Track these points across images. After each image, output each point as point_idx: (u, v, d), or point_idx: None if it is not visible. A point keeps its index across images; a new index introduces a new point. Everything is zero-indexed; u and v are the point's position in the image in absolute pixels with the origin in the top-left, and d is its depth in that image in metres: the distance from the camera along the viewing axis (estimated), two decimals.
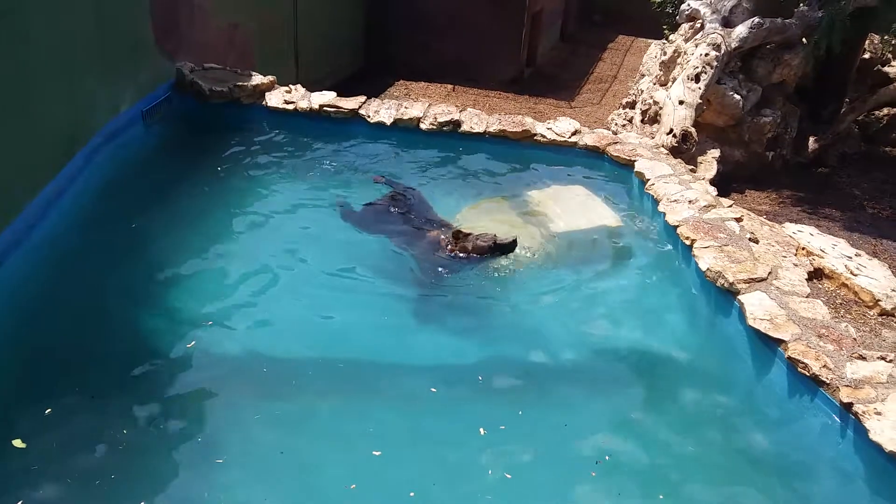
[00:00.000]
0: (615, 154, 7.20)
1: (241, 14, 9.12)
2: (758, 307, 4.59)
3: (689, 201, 6.02)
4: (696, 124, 8.59)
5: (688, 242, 5.47)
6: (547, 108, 12.69)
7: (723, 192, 7.66)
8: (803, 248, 5.71)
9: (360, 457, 3.87)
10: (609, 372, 4.81)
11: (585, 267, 5.85)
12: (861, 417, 3.78)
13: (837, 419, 3.97)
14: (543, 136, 7.47)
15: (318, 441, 4.01)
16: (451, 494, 3.75)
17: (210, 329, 4.69)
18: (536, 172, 7.32)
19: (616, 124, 10.26)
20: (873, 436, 3.67)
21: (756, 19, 9.23)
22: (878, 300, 5.09)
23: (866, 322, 4.93)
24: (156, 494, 3.57)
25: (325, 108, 7.57)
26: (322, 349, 4.70)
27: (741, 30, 9.21)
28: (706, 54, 8.91)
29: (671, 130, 8.39)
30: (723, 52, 8.98)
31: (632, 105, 10.40)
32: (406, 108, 7.68)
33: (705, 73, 8.82)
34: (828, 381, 4.01)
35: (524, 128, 7.50)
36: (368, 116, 7.53)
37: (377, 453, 3.88)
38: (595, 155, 7.37)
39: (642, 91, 10.13)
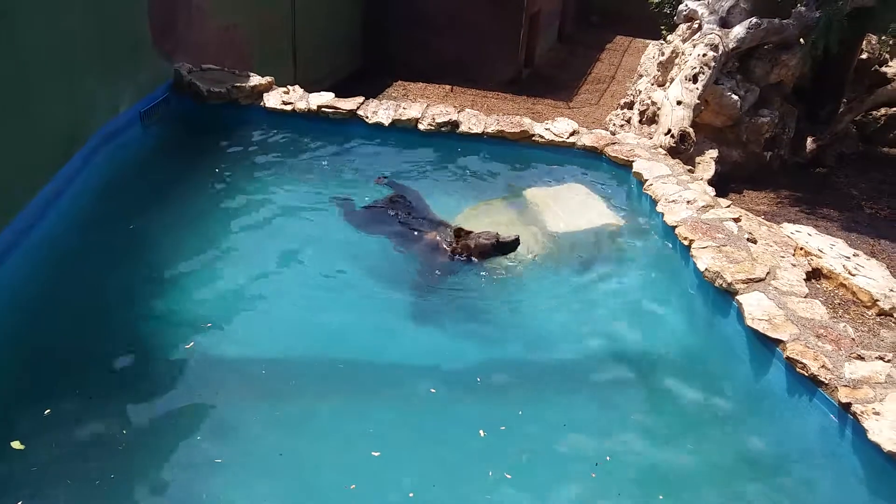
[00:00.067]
0: (613, 154, 7.20)
1: (239, 15, 9.12)
2: (756, 307, 4.60)
3: (688, 201, 6.02)
4: (693, 125, 8.61)
5: (686, 243, 5.47)
6: (545, 108, 12.70)
7: (721, 192, 7.68)
8: (801, 249, 5.71)
9: (360, 457, 3.87)
10: (608, 372, 4.80)
11: (584, 267, 5.86)
12: (859, 417, 3.78)
13: (836, 419, 3.97)
14: (542, 137, 7.48)
15: (318, 442, 4.00)
16: (451, 495, 3.75)
17: (209, 330, 4.69)
18: (535, 173, 7.32)
19: (614, 125, 10.28)
20: (872, 436, 3.67)
21: (753, 20, 9.24)
22: (877, 300, 5.09)
23: (864, 322, 4.93)
24: (155, 495, 3.57)
25: (323, 109, 7.57)
26: (321, 350, 4.70)
27: (739, 30, 9.22)
28: (704, 55, 8.92)
29: (669, 131, 8.41)
30: (720, 52, 9.00)
31: (630, 105, 10.42)
32: (404, 108, 7.68)
33: (703, 73, 8.84)
34: (826, 382, 4.01)
35: (522, 128, 7.50)
36: (366, 117, 7.53)
37: (376, 454, 3.88)
38: (593, 155, 7.37)
39: (640, 91, 10.14)
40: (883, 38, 10.96)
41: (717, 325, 5.03)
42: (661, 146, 7.93)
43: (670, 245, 5.87)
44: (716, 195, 6.39)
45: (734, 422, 4.41)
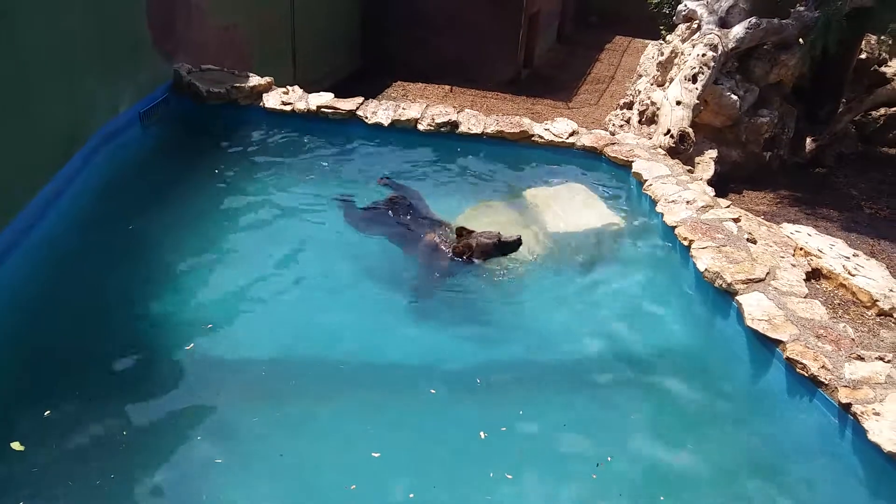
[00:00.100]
0: (613, 155, 7.20)
1: (238, 15, 9.12)
2: (756, 308, 4.60)
3: (687, 202, 6.03)
4: (693, 125, 8.60)
5: (686, 243, 5.47)
6: (544, 108, 12.71)
7: (720, 192, 7.68)
8: (801, 249, 5.72)
9: (360, 458, 3.87)
10: (608, 373, 4.80)
11: (583, 268, 5.86)
12: (859, 418, 3.78)
13: (836, 420, 3.97)
14: (541, 137, 7.48)
15: (318, 442, 4.00)
16: (452, 495, 3.75)
17: (209, 330, 4.69)
18: (534, 173, 7.32)
19: (613, 125, 10.28)
20: (872, 436, 3.67)
21: (753, 20, 9.24)
22: (876, 300, 5.10)
23: (864, 322, 4.93)
24: (155, 495, 3.57)
25: (322, 110, 7.58)
26: (322, 351, 4.70)
27: (738, 30, 9.22)
28: (703, 55, 8.92)
29: (668, 131, 8.41)
30: (720, 52, 9.00)
31: (629, 106, 10.41)
32: (404, 108, 7.68)
33: (702, 73, 8.84)
34: (826, 382, 4.02)
35: (522, 128, 7.50)
36: (366, 117, 7.53)
37: (377, 455, 3.88)
38: (593, 156, 7.38)
39: (639, 92, 10.14)
40: (882, 37, 10.96)
41: (717, 325, 5.03)
42: (660, 146, 7.94)
43: (670, 245, 5.88)
44: (715, 195, 6.40)
45: (734, 422, 4.41)
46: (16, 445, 3.68)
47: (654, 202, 6.27)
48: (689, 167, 7.77)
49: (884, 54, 11.50)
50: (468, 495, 3.74)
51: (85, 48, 6.03)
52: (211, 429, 3.97)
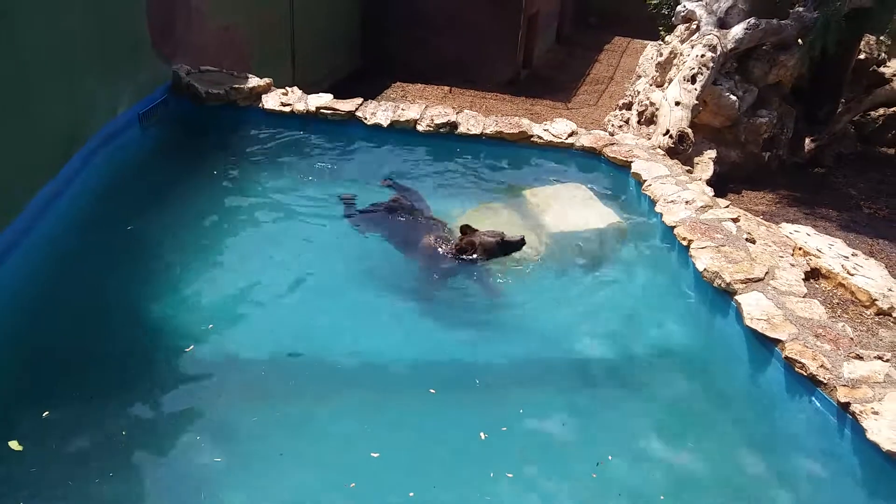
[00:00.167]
0: (612, 155, 7.20)
1: (237, 15, 9.12)
2: (755, 307, 4.61)
3: (686, 202, 6.03)
4: (692, 125, 8.61)
5: (685, 243, 5.48)
6: (543, 109, 12.71)
7: (719, 192, 7.68)
8: (800, 248, 5.73)
9: (360, 458, 3.87)
10: (607, 372, 4.82)
11: (582, 268, 5.87)
12: (858, 417, 3.79)
13: (835, 419, 3.97)
14: (540, 138, 7.48)
15: (318, 442, 4.01)
16: (452, 495, 3.75)
17: (208, 331, 4.69)
18: (533, 173, 7.32)
19: (613, 125, 10.28)
20: (871, 435, 3.67)
21: (752, 20, 9.25)
22: (875, 300, 5.11)
23: (863, 321, 4.94)
24: (155, 495, 3.57)
25: (321, 111, 7.58)
26: (321, 351, 4.70)
27: (737, 31, 9.23)
28: (702, 55, 8.93)
29: (667, 131, 8.42)
30: (719, 53, 9.00)
31: (628, 106, 10.42)
32: (403, 109, 7.69)
33: (701, 74, 8.85)
34: (825, 381, 4.02)
35: (521, 129, 7.51)
36: (365, 118, 7.53)
37: (376, 455, 3.89)
38: (592, 156, 7.38)
39: (639, 92, 10.15)
40: (881, 38, 10.98)
41: (716, 325, 5.03)
42: (659, 147, 7.94)
43: (669, 245, 5.88)
44: (714, 195, 6.40)
45: (733, 421, 4.42)
46: (14, 445, 3.68)
47: (653, 202, 6.28)
48: (689, 167, 7.78)
49: (882, 55, 11.51)
50: (468, 495, 3.75)
51: (85, 49, 6.03)
52: (211, 429, 3.97)
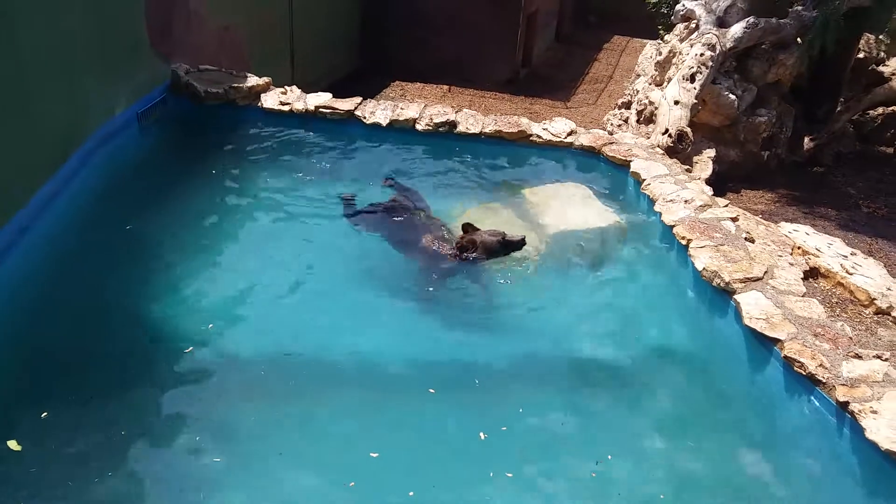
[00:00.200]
0: (611, 154, 7.20)
1: (236, 15, 9.11)
2: (754, 306, 4.61)
3: (685, 201, 6.03)
4: (691, 124, 8.61)
5: (684, 242, 5.48)
6: (542, 108, 12.71)
7: (718, 191, 7.68)
8: (799, 248, 5.73)
9: (359, 458, 3.87)
10: (606, 372, 4.82)
11: (581, 267, 5.87)
12: (857, 416, 3.79)
13: (833, 418, 3.97)
14: (539, 137, 7.48)
15: (317, 442, 4.01)
16: (452, 495, 3.75)
17: (208, 331, 4.69)
18: (532, 173, 7.32)
19: (612, 124, 10.28)
20: (869, 434, 3.68)
21: (751, 19, 9.25)
22: (874, 299, 5.11)
23: (862, 321, 4.94)
24: (153, 495, 3.58)
25: (320, 110, 7.58)
26: (321, 350, 4.70)
27: (736, 30, 9.23)
28: (701, 54, 8.93)
29: (667, 130, 8.41)
30: (718, 52, 9.00)
31: (627, 105, 10.42)
32: (402, 108, 7.69)
33: (700, 73, 8.85)
34: (824, 381, 4.02)
35: (520, 128, 7.51)
36: (364, 117, 7.53)
37: (375, 455, 3.89)
38: (591, 155, 7.38)
39: (638, 91, 10.15)
40: (880, 37, 10.98)
41: (715, 324, 5.04)
42: (658, 146, 7.94)
43: (668, 245, 5.88)
44: (713, 194, 6.40)
45: (732, 420, 4.42)
46: (13, 445, 3.68)
47: (652, 201, 6.28)
48: (688, 166, 7.78)
49: (881, 53, 11.51)
50: (468, 495, 3.75)
51: (84, 48, 6.03)
52: (211, 429, 3.97)
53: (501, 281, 5.62)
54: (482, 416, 4.22)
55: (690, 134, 8.41)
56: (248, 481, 3.70)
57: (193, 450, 3.82)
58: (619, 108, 10.67)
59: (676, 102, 8.66)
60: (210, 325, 4.73)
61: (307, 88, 8.15)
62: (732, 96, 9.31)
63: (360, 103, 7.72)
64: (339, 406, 4.30)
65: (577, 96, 13.81)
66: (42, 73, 5.41)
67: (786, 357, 4.22)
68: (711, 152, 9.14)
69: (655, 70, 10.00)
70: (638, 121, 9.70)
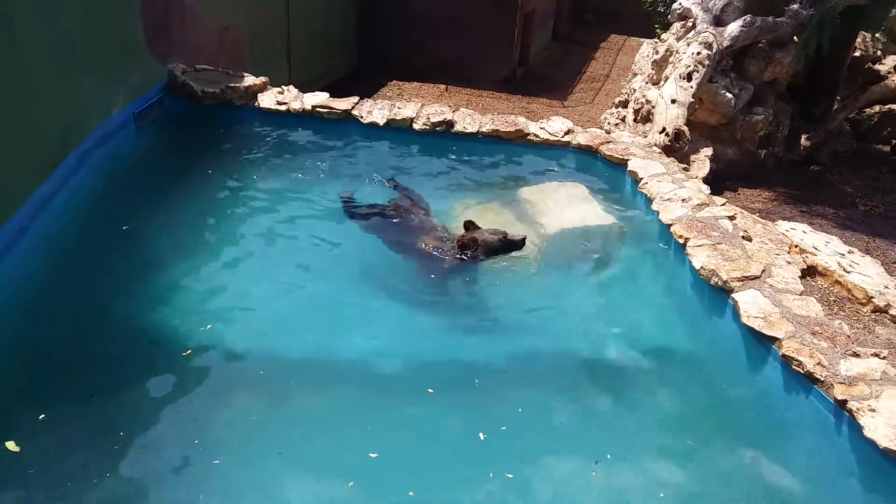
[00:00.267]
0: (608, 153, 7.21)
1: (233, 15, 9.10)
2: (751, 305, 4.61)
3: (683, 200, 6.03)
4: (688, 123, 8.62)
5: (681, 241, 5.48)
6: (540, 107, 12.71)
7: (716, 190, 7.69)
8: (796, 246, 5.73)
9: (359, 458, 3.87)
10: (604, 371, 4.82)
11: (578, 266, 5.87)
12: (855, 414, 3.79)
13: (832, 416, 3.98)
14: (536, 136, 7.48)
15: (316, 442, 4.01)
16: (451, 495, 3.75)
17: (206, 330, 4.68)
18: (530, 172, 7.32)
19: (609, 123, 10.29)
20: (867, 432, 3.68)
21: (748, 18, 9.26)
22: (872, 297, 5.11)
23: (860, 319, 4.94)
24: (152, 496, 3.57)
25: (317, 109, 7.57)
26: (319, 350, 4.70)
27: (733, 28, 9.24)
28: (698, 53, 8.94)
29: (664, 129, 8.42)
30: (714, 50, 9.01)
31: (624, 104, 10.43)
32: (399, 108, 7.69)
33: (697, 71, 8.85)
34: (822, 379, 4.03)
35: (517, 127, 7.51)
36: (361, 117, 7.53)
37: (374, 455, 3.88)
38: (588, 154, 7.39)
39: (635, 90, 10.16)
40: (876, 35, 11.00)
41: (713, 323, 5.04)
42: (655, 145, 7.94)
43: (665, 244, 5.89)
44: (711, 193, 6.40)
45: (731, 420, 4.43)
46: (12, 446, 3.67)
47: (649, 200, 6.28)
48: (685, 165, 7.77)
49: (878, 52, 11.53)
50: (468, 495, 3.75)
51: (83, 49, 6.03)
52: (210, 429, 3.97)
53: (500, 280, 5.62)
54: (482, 416, 4.22)
55: (687, 132, 8.42)
56: (247, 481, 3.70)
57: (193, 450, 3.81)
58: (617, 106, 10.68)
59: (673, 101, 8.67)
60: (209, 326, 4.72)
61: (304, 88, 8.15)
62: (729, 95, 9.32)
63: (357, 103, 7.72)
64: (338, 406, 4.30)
65: (574, 95, 13.81)
66: (42, 73, 5.41)
67: (784, 355, 4.23)
68: (708, 151, 9.15)
69: (652, 69, 10.01)
70: (635, 120, 9.71)
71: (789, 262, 5.28)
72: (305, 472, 3.82)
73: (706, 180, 7.69)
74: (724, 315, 4.88)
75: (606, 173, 7.20)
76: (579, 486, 3.85)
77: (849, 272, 5.36)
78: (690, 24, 9.85)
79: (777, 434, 4.28)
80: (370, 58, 13.82)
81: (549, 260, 5.91)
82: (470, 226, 5.80)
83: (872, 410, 3.77)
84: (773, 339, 4.34)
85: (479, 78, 13.46)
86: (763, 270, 4.97)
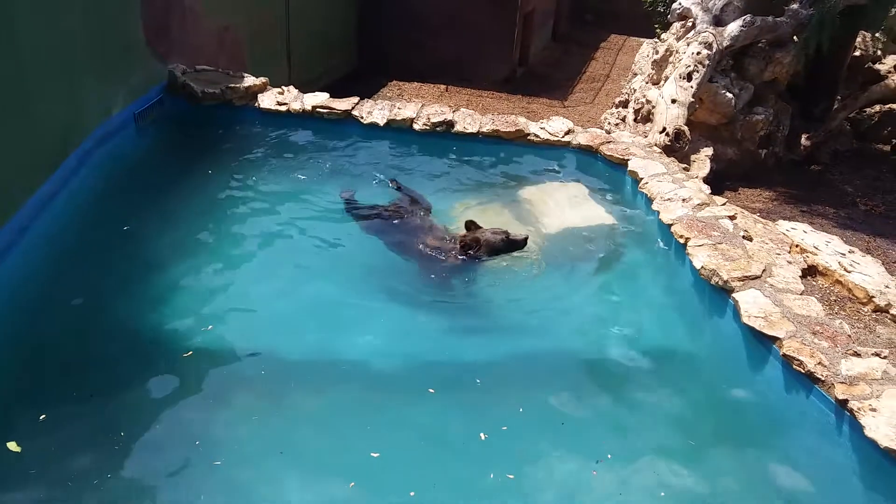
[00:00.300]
0: (608, 153, 7.21)
1: (233, 15, 9.10)
2: (752, 305, 4.61)
3: (683, 200, 6.03)
4: (688, 123, 8.61)
5: (682, 241, 5.48)
6: (540, 107, 12.70)
7: (716, 190, 7.69)
8: (797, 246, 5.73)
9: (359, 458, 3.87)
10: (605, 371, 4.81)
11: (579, 266, 5.87)
12: (856, 414, 3.79)
13: (832, 416, 3.98)
14: (537, 136, 7.48)
15: (317, 442, 4.00)
16: (452, 494, 3.75)
17: (207, 331, 4.68)
18: (530, 172, 7.32)
19: (609, 123, 10.29)
20: (868, 432, 3.68)
21: (747, 17, 9.26)
22: (872, 296, 5.11)
23: (860, 318, 4.94)
24: (153, 497, 3.57)
25: (317, 110, 7.57)
26: (320, 351, 4.70)
27: (733, 28, 9.24)
28: (698, 53, 8.93)
29: (664, 129, 8.42)
30: (714, 50, 9.01)
31: (624, 104, 10.42)
32: (399, 108, 7.68)
33: (697, 71, 8.85)
34: (823, 378, 4.02)
35: (517, 127, 7.51)
36: (361, 117, 7.53)
37: (376, 455, 3.88)
38: (588, 154, 7.38)
39: (635, 90, 10.16)
40: (876, 35, 10.99)
41: (714, 322, 5.04)
42: (656, 144, 7.94)
43: (666, 243, 5.88)
44: (711, 193, 6.40)
45: (731, 420, 4.43)
46: (13, 446, 3.67)
47: (649, 200, 6.28)
48: (685, 165, 7.77)
49: (878, 51, 11.53)
50: (468, 495, 3.75)
51: (83, 49, 6.03)
52: (210, 429, 3.96)
53: (500, 280, 5.62)
54: (483, 416, 4.22)
55: (688, 132, 8.42)
56: (248, 482, 3.70)
57: (193, 450, 3.81)
58: (617, 106, 10.68)
59: (673, 101, 8.67)
60: (209, 326, 4.72)
61: (304, 88, 8.15)
62: (729, 95, 9.32)
63: (357, 103, 7.72)
64: (339, 406, 4.29)
65: (574, 95, 13.81)
66: (42, 73, 5.40)
67: (784, 355, 4.23)
68: (709, 151, 9.14)
69: (652, 69, 10.01)
70: (635, 119, 9.71)
71: (790, 262, 5.28)
72: (306, 472, 3.81)
73: (706, 180, 7.69)
74: (725, 315, 4.87)
75: (607, 173, 7.20)
76: (580, 486, 3.85)
77: (849, 272, 5.36)
78: (690, 24, 9.85)
79: (778, 434, 4.28)
80: (370, 58, 13.82)
81: (550, 260, 5.91)
82: (471, 226, 5.80)
83: (873, 410, 3.76)
84: (774, 339, 4.34)
85: (479, 78, 13.46)
86: (764, 270, 4.96)
